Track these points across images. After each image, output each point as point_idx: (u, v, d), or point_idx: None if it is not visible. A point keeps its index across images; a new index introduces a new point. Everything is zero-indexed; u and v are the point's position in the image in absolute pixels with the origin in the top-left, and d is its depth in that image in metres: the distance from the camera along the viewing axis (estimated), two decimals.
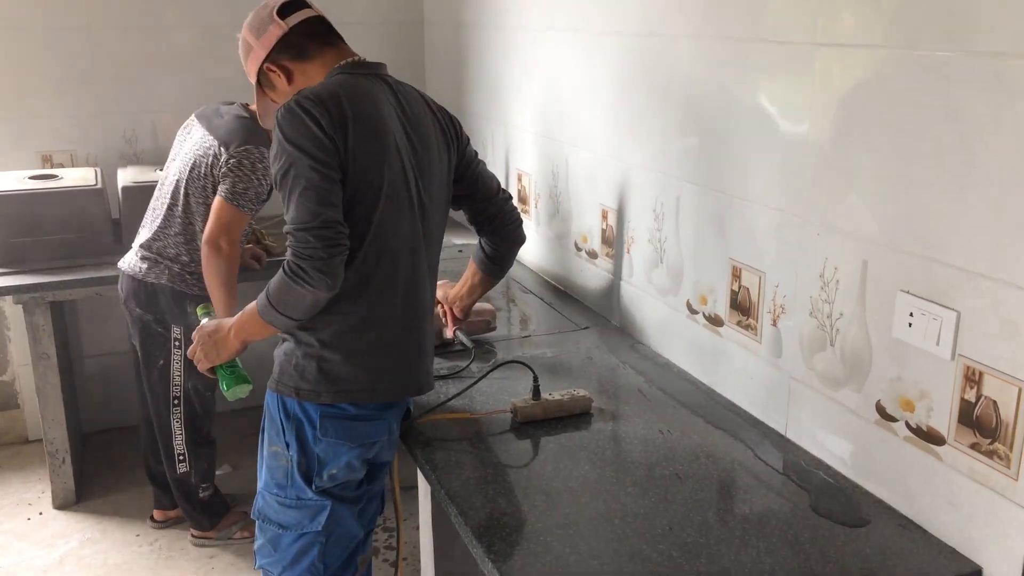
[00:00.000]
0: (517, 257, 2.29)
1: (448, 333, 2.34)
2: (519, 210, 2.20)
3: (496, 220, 2.13)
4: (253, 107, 2.62)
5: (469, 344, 2.32)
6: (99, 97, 3.53)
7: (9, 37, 3.34)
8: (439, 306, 2.29)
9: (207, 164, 2.64)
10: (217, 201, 2.55)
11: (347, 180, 1.71)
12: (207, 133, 2.69)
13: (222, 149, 2.61)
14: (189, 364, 2.57)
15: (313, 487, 1.82)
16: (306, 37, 1.87)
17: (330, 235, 1.66)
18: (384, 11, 3.85)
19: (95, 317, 3.67)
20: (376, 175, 1.74)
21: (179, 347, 2.80)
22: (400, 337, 1.84)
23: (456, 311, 2.29)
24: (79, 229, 3.11)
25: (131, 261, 2.77)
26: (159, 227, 2.73)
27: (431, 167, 1.89)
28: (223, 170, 2.57)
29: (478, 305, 2.34)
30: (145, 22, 3.52)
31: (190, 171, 2.67)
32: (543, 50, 2.81)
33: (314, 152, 1.66)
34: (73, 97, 3.49)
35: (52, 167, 3.48)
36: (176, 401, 2.86)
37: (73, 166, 3.52)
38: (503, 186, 2.17)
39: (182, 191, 2.69)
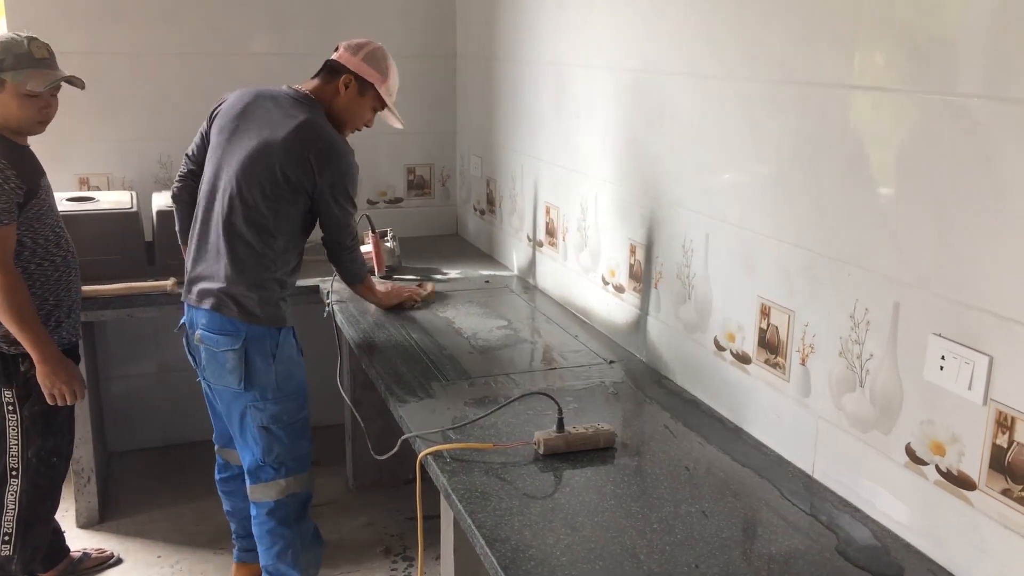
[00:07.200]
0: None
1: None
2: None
3: None
4: None
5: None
6: (137, 122, 3.60)
7: None
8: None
9: None
10: None
11: None
12: None
13: None
14: (29, 429, 2.49)
15: None
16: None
17: None
18: (417, 45, 3.91)
19: (123, 338, 3.72)
20: None
21: (13, 412, 2.50)
22: None
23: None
24: (114, 251, 3.16)
25: None
26: None
27: None
28: None
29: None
30: (186, 49, 3.60)
31: None
32: (574, 86, 2.84)
33: None
34: (112, 121, 3.57)
35: (89, 189, 3.55)
36: (13, 473, 2.53)
37: (109, 189, 3.59)
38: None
39: None
